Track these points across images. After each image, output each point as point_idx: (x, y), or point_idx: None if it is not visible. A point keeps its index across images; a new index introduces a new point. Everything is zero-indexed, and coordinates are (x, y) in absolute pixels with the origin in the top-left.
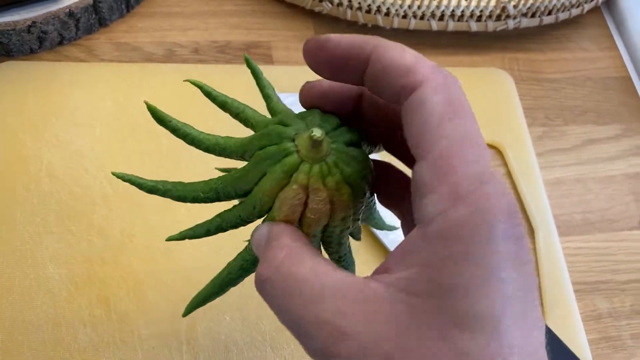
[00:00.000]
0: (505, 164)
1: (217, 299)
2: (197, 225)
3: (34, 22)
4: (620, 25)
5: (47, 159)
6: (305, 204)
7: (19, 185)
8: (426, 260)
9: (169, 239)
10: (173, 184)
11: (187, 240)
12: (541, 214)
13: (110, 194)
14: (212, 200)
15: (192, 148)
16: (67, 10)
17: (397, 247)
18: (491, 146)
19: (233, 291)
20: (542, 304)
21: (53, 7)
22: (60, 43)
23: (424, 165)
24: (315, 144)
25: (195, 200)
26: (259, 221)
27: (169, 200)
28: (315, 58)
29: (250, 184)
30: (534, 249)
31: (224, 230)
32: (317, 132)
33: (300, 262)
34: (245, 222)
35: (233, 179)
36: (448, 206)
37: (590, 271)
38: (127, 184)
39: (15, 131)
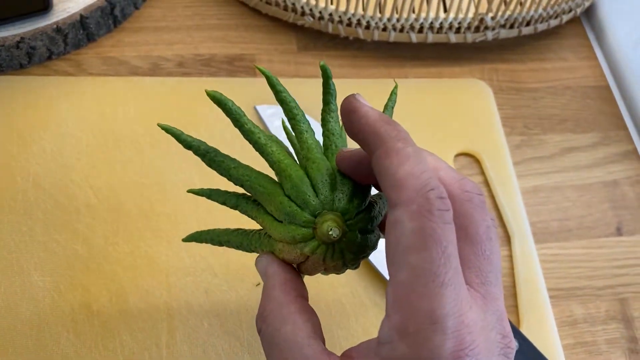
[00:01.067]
0: (483, 172)
1: (196, 306)
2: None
3: (22, 38)
4: (599, 35)
5: (34, 170)
6: (304, 260)
7: (6, 196)
8: None
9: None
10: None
11: (168, 248)
12: (517, 221)
13: (94, 203)
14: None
15: (174, 160)
16: (55, 26)
17: (362, 343)
18: (469, 155)
19: (212, 298)
20: (517, 310)
21: (41, 24)
22: (49, 58)
23: (389, 287)
24: (330, 239)
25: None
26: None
27: (151, 208)
28: (346, 117)
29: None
30: (510, 256)
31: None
32: (334, 233)
33: (284, 322)
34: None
35: (262, 193)
36: (396, 338)
37: (567, 277)
38: (110, 193)
39: (4, 143)
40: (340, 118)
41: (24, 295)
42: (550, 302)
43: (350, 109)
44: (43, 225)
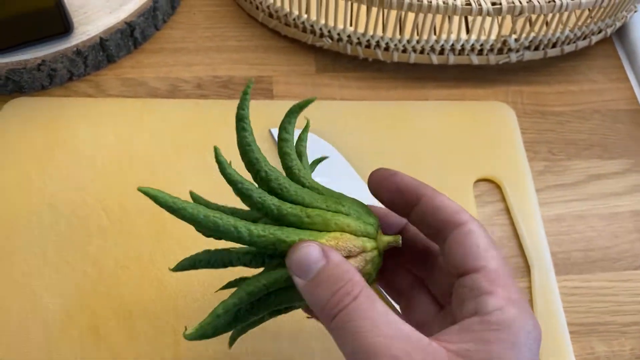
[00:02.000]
0: (503, 199)
1: None
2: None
3: (43, 61)
4: (632, 56)
5: (49, 190)
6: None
7: (22, 217)
8: (483, 339)
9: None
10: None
11: (178, 273)
12: (538, 251)
13: (106, 225)
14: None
15: (188, 182)
16: (75, 49)
17: (454, 326)
18: (489, 181)
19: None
20: None
21: (62, 46)
22: (70, 79)
23: (479, 276)
24: (391, 245)
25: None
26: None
27: (162, 230)
28: (380, 185)
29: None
30: (529, 288)
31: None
32: (399, 239)
33: (375, 299)
34: (268, 289)
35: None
36: (504, 304)
37: (589, 312)
38: (122, 215)
39: (22, 164)
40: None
41: (35, 318)
42: (570, 338)
43: (390, 172)
44: (56, 247)
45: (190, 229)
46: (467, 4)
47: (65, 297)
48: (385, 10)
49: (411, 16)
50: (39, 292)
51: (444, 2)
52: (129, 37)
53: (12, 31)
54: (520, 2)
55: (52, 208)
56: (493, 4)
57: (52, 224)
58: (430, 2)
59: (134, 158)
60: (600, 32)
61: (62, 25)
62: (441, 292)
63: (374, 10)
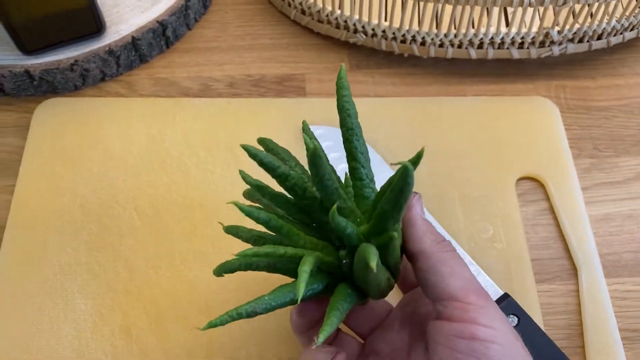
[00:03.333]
0: (547, 198)
1: (236, 334)
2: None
3: (76, 61)
4: None
5: (81, 191)
6: None
7: (54, 216)
8: None
9: None
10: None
11: (209, 273)
12: (585, 252)
13: (137, 225)
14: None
15: (219, 181)
16: (107, 48)
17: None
18: (533, 179)
19: (251, 326)
20: (584, 352)
21: (94, 46)
22: (102, 79)
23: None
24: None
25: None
26: None
27: (193, 230)
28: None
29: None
30: (576, 291)
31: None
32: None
33: None
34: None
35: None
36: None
37: None
38: (153, 215)
39: (54, 164)
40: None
41: (66, 317)
42: (622, 345)
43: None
44: (87, 246)
45: (221, 230)
46: None
47: (97, 297)
48: (422, 4)
49: (449, 9)
50: (71, 292)
51: None
52: (161, 37)
53: (45, 31)
54: None
55: (84, 208)
56: None
57: (84, 224)
58: None
59: (165, 158)
60: None
61: (95, 25)
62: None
63: (410, 3)
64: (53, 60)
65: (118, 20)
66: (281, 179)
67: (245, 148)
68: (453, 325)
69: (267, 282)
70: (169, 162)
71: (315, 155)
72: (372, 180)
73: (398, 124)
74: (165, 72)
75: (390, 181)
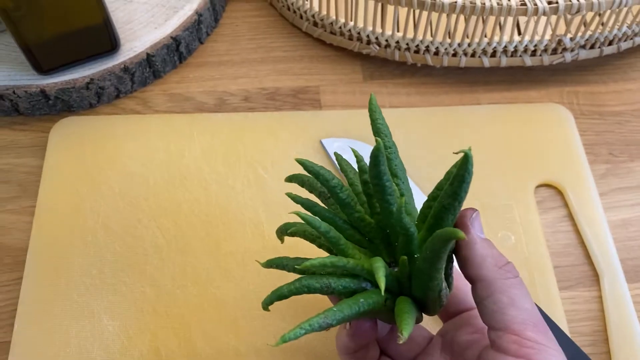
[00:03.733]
0: (566, 205)
1: (265, 352)
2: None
3: (91, 79)
4: None
5: (102, 210)
6: None
7: (77, 237)
8: None
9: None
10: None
11: (236, 290)
12: (606, 258)
13: (162, 244)
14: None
15: (240, 197)
16: (123, 65)
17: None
18: (550, 186)
19: (282, 346)
20: (609, 358)
21: (109, 64)
22: (117, 96)
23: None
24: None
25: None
26: None
27: (217, 248)
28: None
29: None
30: (599, 297)
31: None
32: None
33: None
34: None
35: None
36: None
37: None
38: (176, 232)
39: (74, 183)
40: None
41: (94, 339)
42: None
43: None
44: (112, 267)
45: (245, 245)
46: (522, 4)
47: (124, 318)
48: (436, 14)
49: (462, 19)
50: (97, 314)
51: (497, 3)
52: (175, 52)
53: (60, 50)
54: (578, 0)
55: (106, 228)
56: (549, 2)
57: (107, 244)
58: (484, 3)
59: (185, 175)
60: None
61: (110, 43)
62: None
63: (425, 14)
64: (69, 79)
65: (132, 37)
66: (335, 190)
67: (300, 162)
68: (507, 359)
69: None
70: (189, 179)
71: (379, 152)
72: (412, 197)
73: (415, 134)
74: (180, 87)
75: (447, 176)
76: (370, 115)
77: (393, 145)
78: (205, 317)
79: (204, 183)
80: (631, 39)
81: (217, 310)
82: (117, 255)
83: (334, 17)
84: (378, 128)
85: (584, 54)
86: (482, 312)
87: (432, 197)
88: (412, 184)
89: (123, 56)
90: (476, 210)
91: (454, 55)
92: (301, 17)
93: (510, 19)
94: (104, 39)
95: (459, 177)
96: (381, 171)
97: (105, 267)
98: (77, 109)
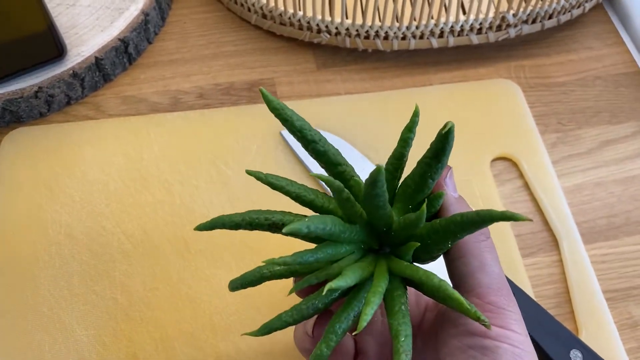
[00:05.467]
0: (522, 176)
1: (244, 346)
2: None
3: (40, 88)
4: (624, 19)
5: (64, 220)
6: None
7: (41, 250)
8: None
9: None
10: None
11: (208, 287)
12: (563, 223)
13: (128, 249)
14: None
15: (205, 195)
16: (71, 71)
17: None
18: (506, 159)
19: (261, 340)
20: (573, 317)
21: (57, 71)
22: (68, 103)
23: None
24: None
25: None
26: None
27: (186, 248)
28: None
29: None
30: (560, 261)
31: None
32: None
33: None
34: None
35: None
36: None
37: (621, 277)
38: (143, 236)
39: (32, 195)
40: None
41: (69, 351)
42: (607, 305)
43: None
44: (80, 277)
45: (214, 241)
46: None
47: (98, 327)
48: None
49: (409, 3)
50: (70, 325)
51: None
52: (124, 54)
53: (5, 59)
54: None
55: (71, 238)
56: None
57: (73, 254)
58: None
59: (146, 177)
60: None
61: (56, 49)
62: None
63: (372, 0)
64: (16, 89)
65: (78, 42)
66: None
67: (252, 174)
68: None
69: (271, 296)
70: (150, 181)
71: (379, 174)
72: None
73: (370, 119)
74: (132, 89)
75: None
76: (278, 116)
77: (319, 135)
78: (180, 318)
79: (166, 184)
80: (569, 11)
81: (192, 309)
82: (84, 265)
83: (283, 8)
84: (297, 126)
85: (526, 29)
86: (452, 273)
87: (392, 169)
88: (372, 165)
89: (71, 62)
90: (450, 167)
91: (403, 38)
92: (249, 10)
93: (454, 0)
94: (50, 46)
95: (440, 140)
96: (378, 194)
97: (73, 278)
98: (27, 119)
